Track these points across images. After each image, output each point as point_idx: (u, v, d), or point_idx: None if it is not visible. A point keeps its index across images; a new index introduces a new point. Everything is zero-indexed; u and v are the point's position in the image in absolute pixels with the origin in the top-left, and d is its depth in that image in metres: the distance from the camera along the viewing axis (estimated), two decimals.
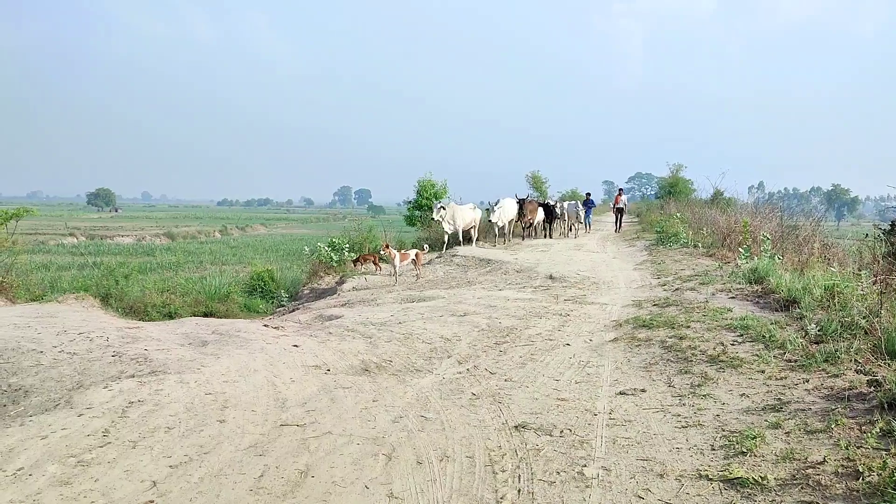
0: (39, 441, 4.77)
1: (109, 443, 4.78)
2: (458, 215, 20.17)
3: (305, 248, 21.83)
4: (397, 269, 13.08)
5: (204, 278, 21.79)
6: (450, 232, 20.25)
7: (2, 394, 5.97)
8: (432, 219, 19.10)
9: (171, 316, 13.26)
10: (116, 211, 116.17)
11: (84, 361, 6.89)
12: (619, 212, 29.27)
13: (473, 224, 21.35)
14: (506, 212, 21.51)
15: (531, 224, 24.21)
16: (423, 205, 22.41)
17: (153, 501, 3.95)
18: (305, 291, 17.95)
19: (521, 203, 22.57)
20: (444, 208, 19.92)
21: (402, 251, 14.22)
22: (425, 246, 15.56)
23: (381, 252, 13.31)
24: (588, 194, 29.47)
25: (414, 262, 13.90)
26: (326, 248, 18.88)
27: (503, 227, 21.98)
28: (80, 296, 13.03)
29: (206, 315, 13.53)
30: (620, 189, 30.77)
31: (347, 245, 18.53)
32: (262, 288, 18.71)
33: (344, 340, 8.30)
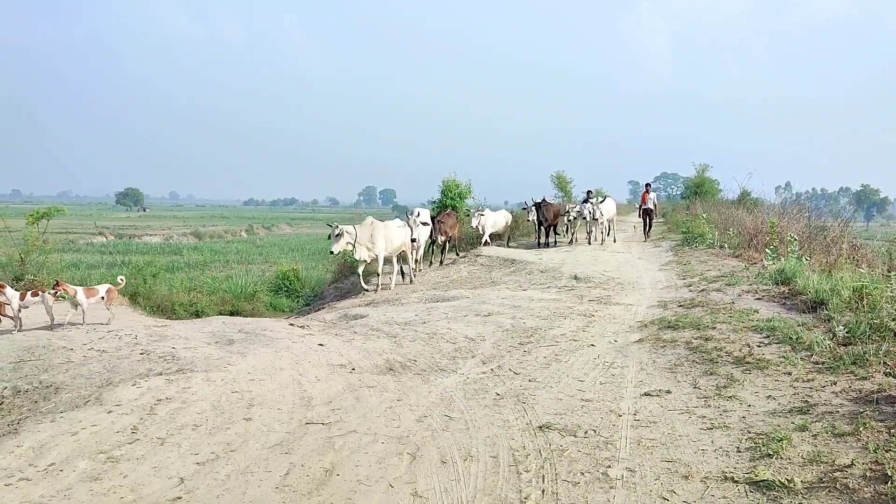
0: (70, 437, 4.85)
1: (138, 439, 4.86)
2: (490, 220, 20.68)
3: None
4: (84, 307, 9.68)
5: (230, 277, 22.00)
6: (483, 233, 20.38)
7: (33, 390, 6.08)
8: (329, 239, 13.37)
9: (197, 314, 13.42)
10: (144, 210, 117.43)
11: (113, 359, 7.01)
12: (648, 213, 23.38)
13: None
14: (364, 237, 13.86)
15: (449, 240, 18.71)
16: (447, 205, 22.34)
17: (181, 498, 4.01)
18: (330, 291, 18.07)
19: (434, 220, 17.68)
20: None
21: (87, 287, 10.50)
22: (120, 279, 10.98)
23: (55, 291, 9.50)
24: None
25: (104, 299, 10.28)
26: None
27: (368, 261, 14.27)
28: None
29: (232, 314, 13.68)
30: (648, 185, 24.22)
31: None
32: (288, 287, 18.84)
33: (369, 340, 8.34)
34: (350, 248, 13.44)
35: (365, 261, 14.03)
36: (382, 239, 13.96)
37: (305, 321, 10.93)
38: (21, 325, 8.42)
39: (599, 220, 20.78)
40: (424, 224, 16.46)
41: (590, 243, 21.18)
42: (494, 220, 21.40)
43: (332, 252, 13.47)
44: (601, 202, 20.78)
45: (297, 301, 18.14)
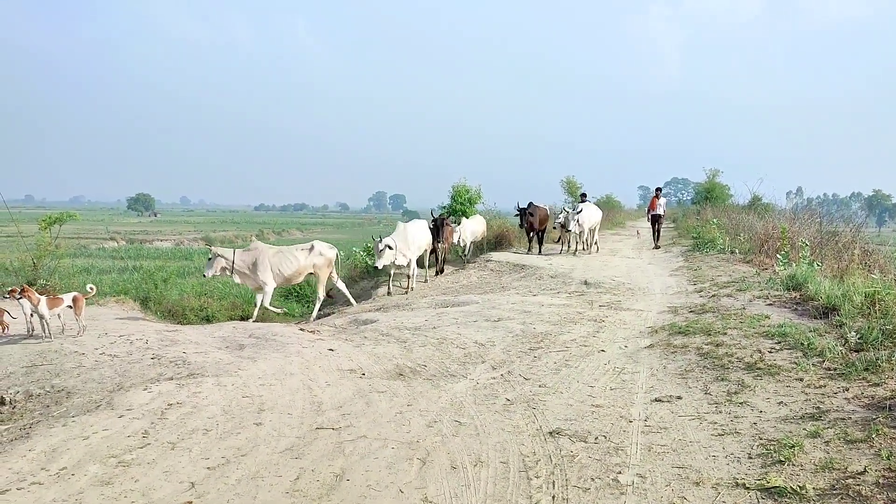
0: (81, 441, 4.88)
1: (149, 444, 4.88)
2: (469, 229, 19.79)
3: (340, 252, 21.98)
4: (48, 318, 8.60)
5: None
6: (461, 244, 19.74)
7: (45, 395, 6.12)
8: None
9: (208, 319, 13.42)
10: (156, 215, 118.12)
11: (124, 364, 7.04)
12: (656, 219, 22.82)
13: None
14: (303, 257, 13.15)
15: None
16: (457, 210, 22.31)
17: (192, 502, 4.02)
18: (340, 295, 18.06)
19: (438, 222, 16.89)
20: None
21: (52, 296, 9.09)
22: (90, 287, 9.61)
23: (20, 297, 8.50)
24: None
25: (71, 308, 9.02)
26: (362, 252, 19.02)
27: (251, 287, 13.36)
28: (121, 299, 13.28)
29: (242, 319, 13.66)
30: (658, 189, 23.40)
31: None
32: (298, 292, 18.84)
33: (379, 345, 8.34)
34: (227, 274, 12.56)
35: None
36: (268, 269, 12.52)
37: (315, 326, 10.95)
38: (33, 331, 8.45)
39: (576, 230, 19.22)
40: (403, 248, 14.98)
41: (580, 250, 20.33)
42: (473, 229, 20.21)
43: (204, 275, 12.74)
44: (579, 212, 19.23)
45: (308, 306, 18.13)
